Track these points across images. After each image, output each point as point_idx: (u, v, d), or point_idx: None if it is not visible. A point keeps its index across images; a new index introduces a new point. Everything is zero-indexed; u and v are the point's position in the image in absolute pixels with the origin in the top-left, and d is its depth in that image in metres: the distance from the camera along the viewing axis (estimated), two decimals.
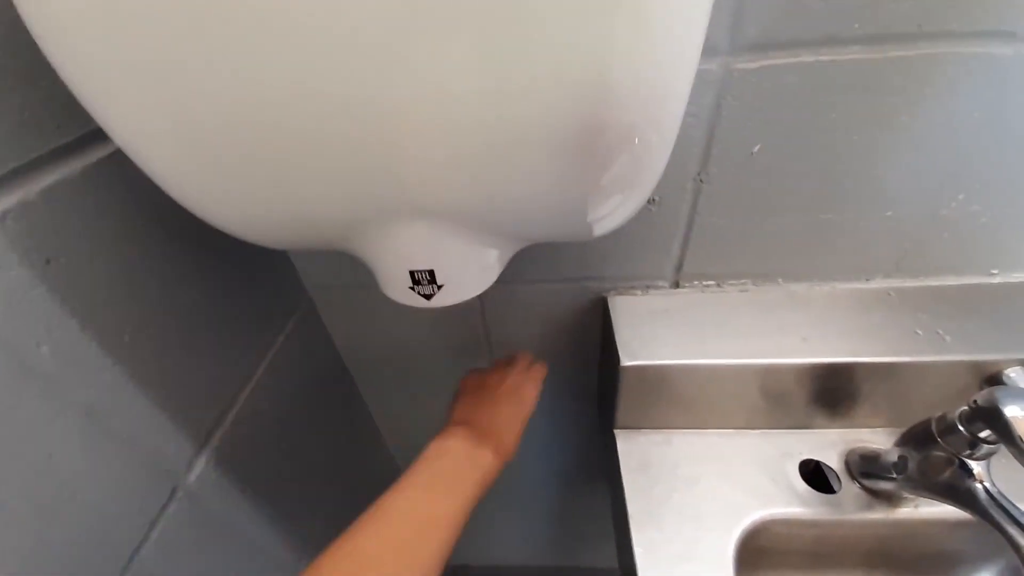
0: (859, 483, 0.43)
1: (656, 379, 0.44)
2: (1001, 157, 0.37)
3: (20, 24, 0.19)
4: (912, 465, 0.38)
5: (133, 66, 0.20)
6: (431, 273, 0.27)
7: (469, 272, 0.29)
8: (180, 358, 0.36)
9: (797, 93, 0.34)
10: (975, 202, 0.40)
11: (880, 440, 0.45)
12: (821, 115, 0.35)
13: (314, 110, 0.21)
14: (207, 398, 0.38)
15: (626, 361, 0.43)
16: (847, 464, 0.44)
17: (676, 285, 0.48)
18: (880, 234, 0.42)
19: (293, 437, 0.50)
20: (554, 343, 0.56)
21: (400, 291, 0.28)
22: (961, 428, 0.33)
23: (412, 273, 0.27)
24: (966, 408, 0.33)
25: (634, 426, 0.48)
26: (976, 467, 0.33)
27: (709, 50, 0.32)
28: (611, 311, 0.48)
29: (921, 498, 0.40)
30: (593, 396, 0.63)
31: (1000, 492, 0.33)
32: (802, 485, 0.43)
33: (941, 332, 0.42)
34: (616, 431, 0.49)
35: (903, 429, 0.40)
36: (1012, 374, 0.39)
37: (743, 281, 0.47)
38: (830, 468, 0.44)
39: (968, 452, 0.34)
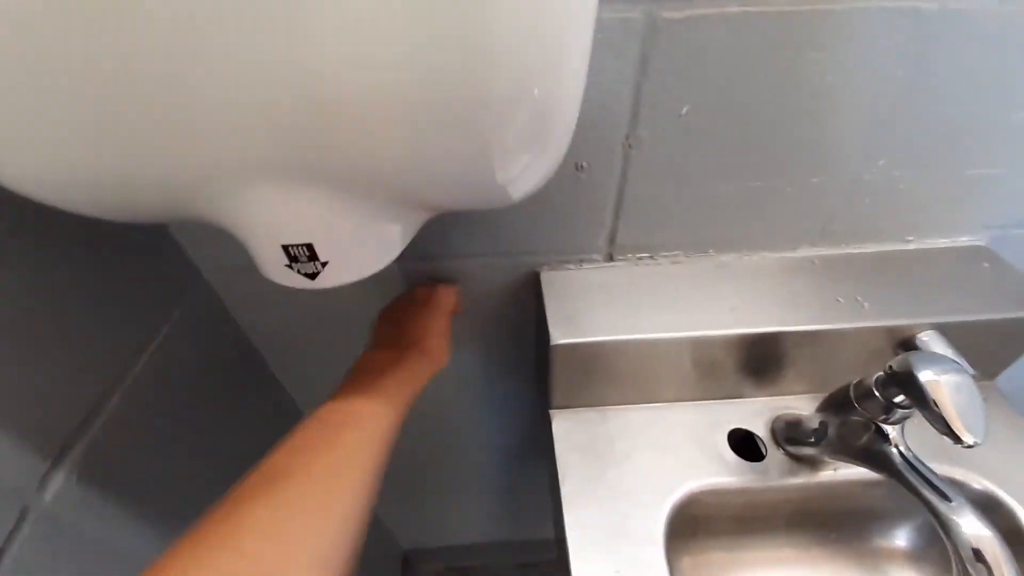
0: (783, 449, 0.43)
1: (589, 357, 0.42)
2: (922, 120, 0.37)
3: None
4: (832, 431, 0.38)
5: None
6: (309, 247, 0.23)
7: (361, 246, 0.25)
8: (10, 361, 0.29)
9: (724, 49, 0.32)
10: (896, 167, 0.40)
11: (804, 406, 0.46)
12: (749, 75, 0.33)
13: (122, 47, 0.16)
14: (61, 406, 0.32)
15: (557, 339, 0.41)
16: (773, 431, 0.44)
17: (610, 258, 0.46)
18: (806, 201, 0.41)
19: (192, 435, 0.44)
20: (489, 321, 0.53)
21: (276, 270, 0.24)
22: (877, 393, 0.34)
23: (286, 248, 0.23)
24: (882, 374, 0.34)
25: (569, 405, 0.47)
26: (891, 431, 0.34)
27: None
28: (543, 287, 0.45)
29: (841, 461, 0.41)
30: (532, 373, 0.61)
31: (914, 455, 0.33)
32: (731, 455, 0.43)
33: (860, 299, 0.42)
34: (551, 411, 0.47)
35: (825, 394, 0.41)
36: (924, 338, 0.40)
37: (676, 252, 0.46)
38: (758, 436, 0.45)
39: (884, 417, 0.34)
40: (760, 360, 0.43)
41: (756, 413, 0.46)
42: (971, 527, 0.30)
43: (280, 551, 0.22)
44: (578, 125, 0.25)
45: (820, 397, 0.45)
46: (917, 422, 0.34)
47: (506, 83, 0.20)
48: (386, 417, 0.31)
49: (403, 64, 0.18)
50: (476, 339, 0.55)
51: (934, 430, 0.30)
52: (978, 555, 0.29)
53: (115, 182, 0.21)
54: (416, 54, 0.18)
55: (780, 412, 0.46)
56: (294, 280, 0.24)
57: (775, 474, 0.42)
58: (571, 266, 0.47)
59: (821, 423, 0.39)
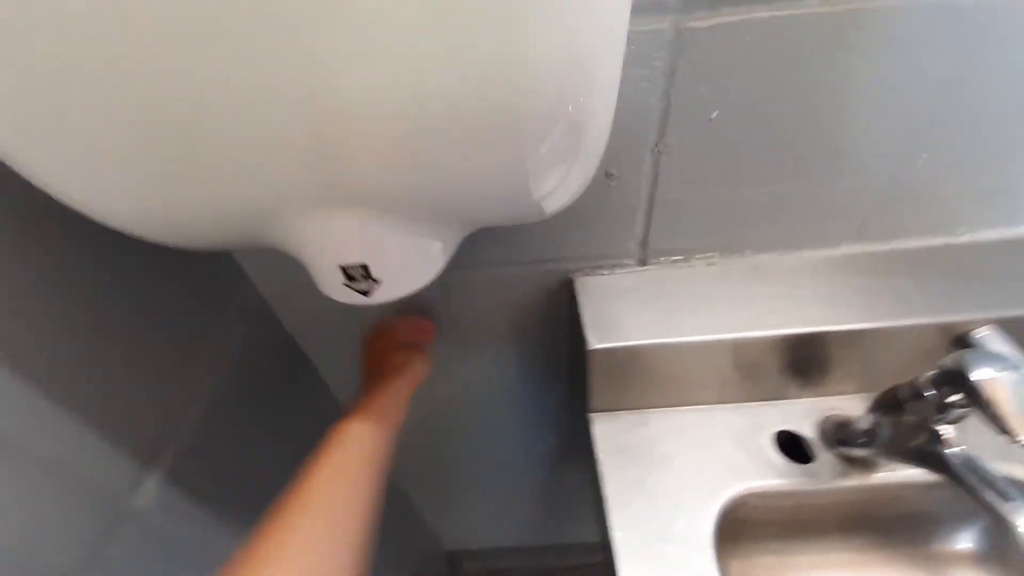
0: (834, 451, 0.42)
1: (626, 360, 0.43)
2: (964, 114, 0.36)
3: None
4: (884, 432, 0.37)
5: None
6: (365, 268, 0.25)
7: (409, 263, 0.27)
8: (109, 374, 0.33)
9: (754, 53, 0.32)
10: (939, 164, 0.39)
11: (853, 407, 0.44)
12: (780, 77, 0.33)
13: (197, 92, 0.18)
14: (149, 413, 0.36)
15: (594, 344, 0.41)
16: (822, 433, 0.44)
17: (643, 262, 0.47)
18: (845, 200, 0.41)
19: (258, 439, 0.48)
20: (524, 327, 0.55)
21: (335, 288, 0.26)
22: (929, 393, 0.33)
23: (344, 269, 0.25)
24: (933, 373, 0.33)
25: (608, 408, 0.47)
26: (946, 431, 0.33)
27: (658, 7, 0.30)
28: (577, 293, 0.46)
29: (895, 463, 0.40)
30: (567, 378, 0.62)
31: (972, 455, 0.32)
32: (778, 456, 0.43)
33: (910, 294, 0.41)
34: (590, 415, 0.48)
35: (875, 394, 0.40)
36: (982, 335, 0.39)
37: (710, 254, 0.46)
38: (806, 438, 0.44)
39: (938, 417, 0.33)
40: (804, 361, 0.43)
41: (802, 414, 0.45)
42: None
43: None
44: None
45: (869, 397, 0.44)
46: (975, 419, 0.33)
47: (542, 104, 0.21)
48: (377, 445, 0.37)
49: (443, 89, 0.19)
50: (512, 346, 0.57)
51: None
52: None
53: (182, 215, 0.23)
54: (455, 79, 0.19)
55: (828, 413, 0.45)
56: (351, 297, 0.26)
57: (826, 476, 0.41)
58: (604, 271, 0.47)
59: (873, 424, 0.38)
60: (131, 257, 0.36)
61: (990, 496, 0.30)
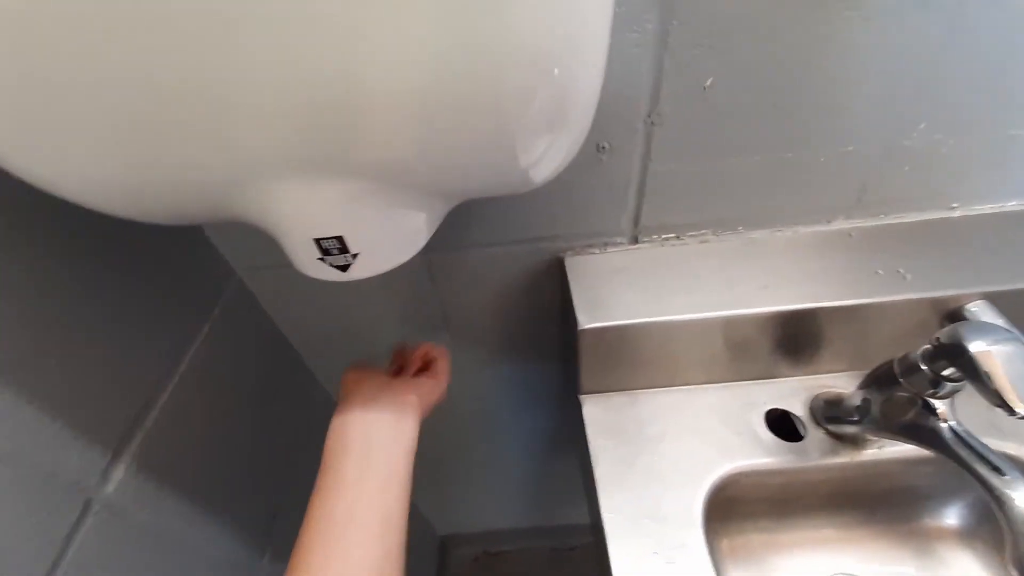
0: (824, 428, 0.42)
1: (617, 340, 0.42)
2: (964, 79, 0.35)
3: None
4: (875, 407, 0.37)
5: None
6: (340, 240, 0.23)
7: (389, 236, 0.25)
8: (71, 359, 0.31)
9: (749, 14, 0.31)
10: (937, 130, 0.38)
11: (843, 384, 0.44)
12: (776, 40, 0.32)
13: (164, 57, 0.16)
14: (117, 401, 0.34)
15: (584, 324, 0.40)
16: (811, 410, 0.43)
17: (635, 240, 0.46)
18: (841, 171, 0.40)
19: (235, 427, 0.46)
20: (514, 308, 0.53)
21: (309, 263, 0.25)
22: (923, 367, 0.32)
23: (318, 242, 0.23)
24: (928, 346, 0.32)
25: (598, 389, 0.47)
26: (940, 406, 0.33)
27: None
28: (568, 272, 0.45)
29: (885, 439, 0.39)
30: (559, 359, 0.61)
31: (965, 430, 0.32)
32: (768, 435, 0.42)
33: (902, 271, 0.40)
34: (581, 396, 0.47)
35: (866, 371, 0.40)
36: (973, 308, 0.38)
37: (703, 232, 0.45)
38: (795, 416, 0.43)
39: (931, 391, 0.33)
40: (796, 338, 0.42)
41: (792, 393, 0.45)
42: None
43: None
44: (599, 105, 0.25)
45: (859, 374, 0.44)
46: (963, 396, 0.33)
47: (524, 66, 0.20)
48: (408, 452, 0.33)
49: (422, 52, 0.18)
50: (502, 327, 0.56)
51: (982, 403, 0.29)
52: None
53: (150, 184, 0.22)
54: (434, 40, 0.18)
55: (818, 391, 0.44)
56: (326, 273, 0.25)
57: (816, 454, 0.41)
58: (595, 250, 0.46)
59: (864, 400, 0.37)
60: (100, 240, 0.34)
61: (983, 470, 0.30)
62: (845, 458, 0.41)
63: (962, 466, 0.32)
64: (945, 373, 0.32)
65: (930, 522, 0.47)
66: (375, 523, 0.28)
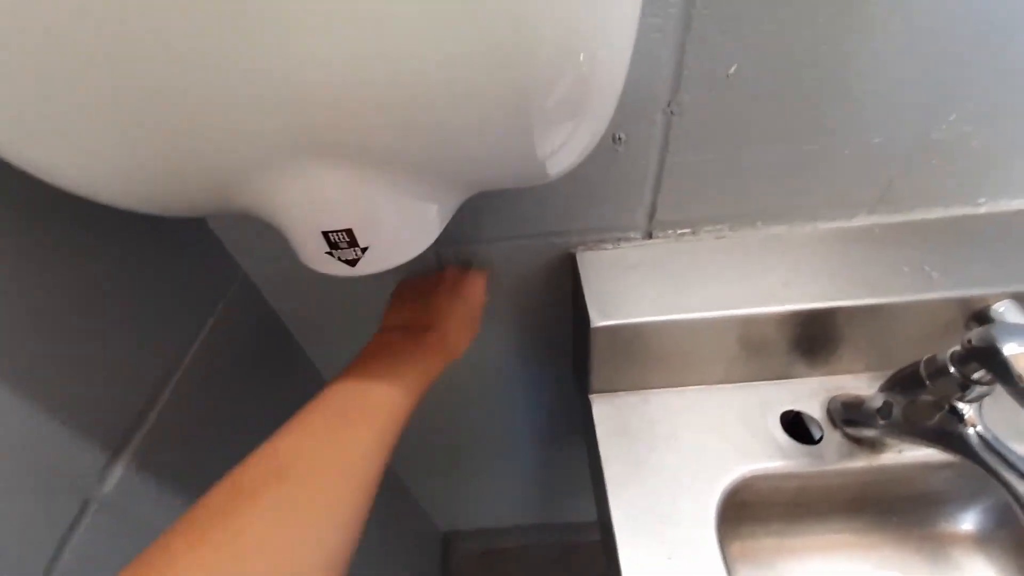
0: (842, 431, 0.41)
1: (630, 338, 0.41)
2: (996, 68, 0.33)
3: None
4: (897, 410, 0.36)
5: None
6: (349, 233, 0.22)
7: (400, 229, 0.24)
8: (71, 357, 0.30)
9: None
10: (968, 122, 0.36)
11: (861, 386, 0.43)
12: (801, 26, 0.30)
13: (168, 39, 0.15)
14: (118, 399, 0.33)
15: (596, 322, 0.39)
16: (829, 412, 0.42)
17: (649, 235, 0.44)
18: (866, 164, 0.38)
19: (238, 425, 0.45)
20: (524, 304, 0.52)
21: (316, 258, 0.23)
22: (952, 370, 0.31)
23: (326, 235, 0.22)
24: (958, 348, 0.31)
25: (609, 389, 0.46)
26: (967, 410, 0.31)
27: None
28: (580, 268, 0.44)
29: (906, 443, 0.38)
30: (569, 356, 0.60)
31: (994, 436, 0.31)
32: (784, 437, 0.41)
33: (927, 268, 0.39)
34: (591, 395, 0.46)
35: (885, 373, 0.38)
36: (1000, 308, 0.37)
37: (720, 226, 0.43)
38: (812, 418, 0.42)
39: (959, 395, 0.31)
40: (814, 338, 0.41)
41: (809, 394, 0.44)
42: None
43: (280, 563, 0.20)
44: None
45: (878, 375, 0.43)
46: (991, 399, 0.31)
47: (548, 51, 0.18)
48: (400, 409, 0.29)
49: (439, 36, 0.17)
50: (511, 322, 0.55)
51: (1007, 406, 0.28)
52: None
53: (154, 173, 0.20)
54: (452, 24, 0.16)
55: (835, 392, 0.43)
56: (335, 268, 0.24)
57: (833, 457, 0.40)
58: (608, 245, 0.45)
59: (885, 403, 0.36)
60: (101, 234, 0.33)
61: (1012, 477, 0.29)
62: (863, 462, 0.40)
63: (989, 472, 0.31)
64: (975, 376, 0.30)
65: (946, 527, 0.46)
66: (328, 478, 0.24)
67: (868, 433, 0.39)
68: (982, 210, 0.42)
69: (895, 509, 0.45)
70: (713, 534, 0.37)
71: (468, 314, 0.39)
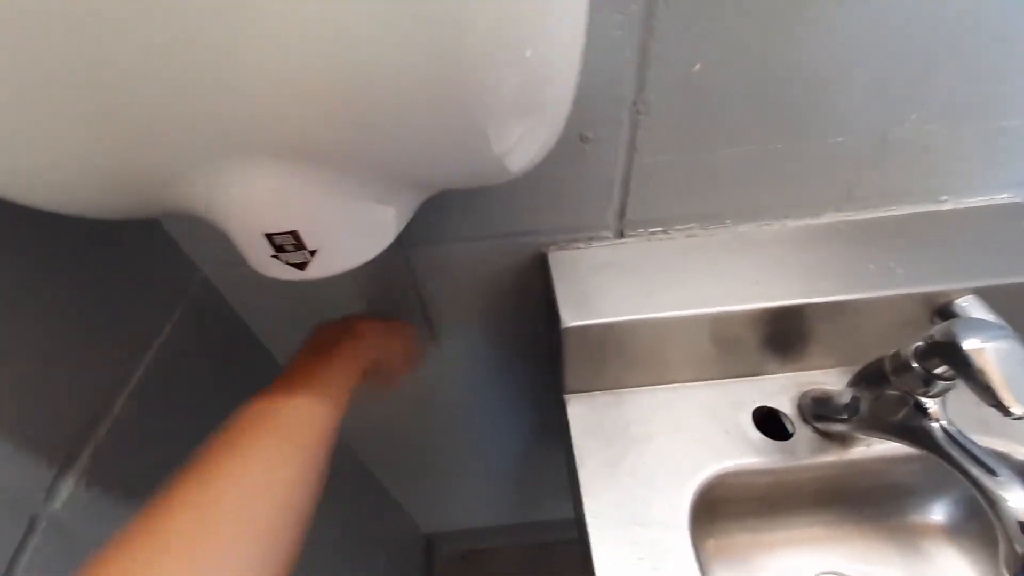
0: (812, 426, 0.41)
1: (602, 338, 0.40)
2: (957, 67, 0.34)
3: None
4: (865, 406, 0.36)
5: None
6: (295, 235, 0.21)
7: (351, 231, 0.23)
8: (14, 368, 0.29)
9: None
10: (930, 121, 0.37)
11: (832, 381, 0.43)
12: (767, 23, 0.30)
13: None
14: (66, 412, 0.31)
15: (568, 322, 0.39)
16: (800, 408, 0.42)
17: (620, 235, 0.44)
18: (831, 163, 0.39)
19: (198, 435, 0.43)
20: (498, 305, 0.52)
21: (262, 261, 0.22)
22: (915, 365, 0.31)
23: (270, 237, 0.21)
24: (921, 344, 0.31)
25: (584, 389, 0.45)
26: (931, 405, 0.32)
27: None
28: (551, 268, 0.43)
29: (874, 437, 0.39)
30: (545, 356, 0.60)
31: (957, 430, 0.31)
32: (756, 434, 0.41)
33: (892, 264, 0.39)
34: (565, 395, 0.46)
35: (854, 368, 0.39)
36: (963, 304, 0.37)
37: (691, 225, 0.43)
38: (784, 414, 0.42)
39: (923, 390, 0.32)
40: (785, 335, 0.41)
41: (780, 390, 0.44)
42: (1019, 501, 0.28)
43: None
44: (581, 93, 0.23)
45: (848, 371, 0.43)
46: (952, 391, 0.32)
47: (492, 46, 0.18)
48: (323, 419, 0.29)
49: (379, 22, 0.16)
50: (485, 324, 0.54)
51: (971, 399, 0.28)
52: None
53: (90, 172, 0.19)
54: (386, 12, 0.16)
55: (806, 388, 0.43)
56: (282, 272, 0.23)
57: (804, 452, 0.40)
58: (580, 245, 0.45)
59: (853, 398, 0.36)
60: (46, 236, 0.31)
61: (976, 471, 0.29)
62: (833, 456, 0.40)
63: (953, 466, 0.31)
64: (937, 371, 0.31)
65: (917, 519, 0.47)
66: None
67: (837, 428, 0.40)
68: (945, 207, 0.43)
69: (866, 501, 0.45)
70: (686, 534, 0.37)
71: (389, 325, 0.40)
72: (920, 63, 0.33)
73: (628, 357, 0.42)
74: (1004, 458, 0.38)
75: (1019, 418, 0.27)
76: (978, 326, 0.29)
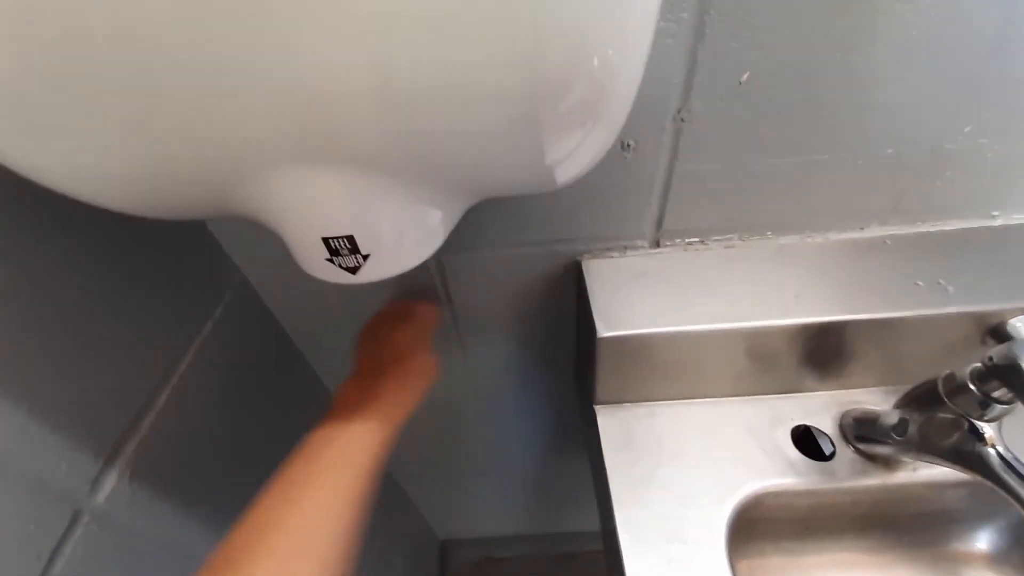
0: (854, 447, 0.40)
1: (636, 349, 0.40)
2: (1013, 80, 0.33)
3: None
4: (913, 428, 0.35)
5: None
6: (350, 240, 0.21)
7: (403, 237, 0.23)
8: (63, 364, 0.29)
9: (791, 5, 0.29)
10: (983, 134, 0.35)
11: (874, 400, 0.42)
12: (817, 33, 0.30)
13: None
14: (111, 406, 0.32)
15: (603, 332, 0.38)
16: (841, 428, 0.41)
17: (656, 244, 0.43)
18: (879, 175, 0.38)
19: (235, 431, 0.44)
20: (527, 313, 0.51)
21: (317, 265, 0.23)
22: (973, 388, 0.30)
23: (327, 241, 0.21)
24: (979, 366, 0.30)
25: (615, 400, 0.45)
26: (988, 430, 0.30)
27: None
28: (586, 277, 0.43)
29: (921, 461, 0.37)
30: (572, 365, 0.59)
31: (1014, 456, 0.30)
32: (795, 453, 0.40)
33: (943, 282, 0.38)
34: (596, 407, 0.45)
35: (898, 387, 0.38)
36: (1018, 324, 0.36)
37: (729, 236, 0.42)
38: (823, 433, 0.41)
39: (979, 413, 0.30)
40: (825, 352, 0.40)
41: (820, 408, 0.42)
42: None
43: None
44: None
45: (891, 391, 0.42)
46: (1009, 418, 0.30)
47: (563, 54, 0.18)
48: (372, 448, 0.31)
49: (452, 34, 0.16)
50: (514, 331, 0.54)
51: None
52: None
53: (153, 177, 0.20)
54: (466, 22, 0.16)
55: (847, 407, 0.42)
56: (335, 275, 0.23)
57: (845, 474, 0.39)
58: (614, 254, 0.44)
59: (901, 420, 0.35)
60: (97, 239, 0.32)
61: None
62: (876, 480, 0.39)
63: (1009, 494, 0.30)
64: (995, 394, 0.29)
65: (960, 546, 0.45)
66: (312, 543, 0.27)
67: (882, 450, 0.38)
68: (997, 223, 0.41)
69: (907, 527, 0.44)
70: (723, 553, 0.36)
71: (420, 338, 0.41)
72: (974, 75, 0.32)
73: (662, 369, 0.42)
74: None
75: None
76: None
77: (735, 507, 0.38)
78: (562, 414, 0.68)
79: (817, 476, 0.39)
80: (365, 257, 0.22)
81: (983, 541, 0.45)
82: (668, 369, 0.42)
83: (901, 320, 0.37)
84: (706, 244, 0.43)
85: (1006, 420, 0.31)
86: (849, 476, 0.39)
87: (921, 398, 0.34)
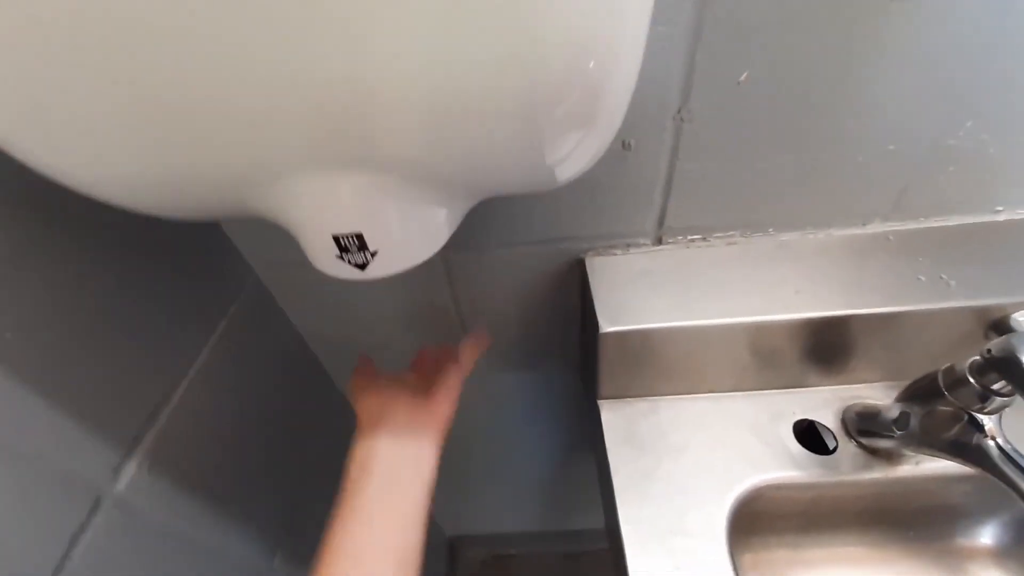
0: (856, 441, 0.40)
1: (639, 345, 0.40)
2: (1015, 75, 0.33)
3: None
4: (915, 421, 0.35)
5: None
6: (359, 237, 0.22)
7: (409, 234, 0.24)
8: (87, 356, 0.31)
9: (788, 5, 0.29)
10: (985, 129, 0.36)
11: (876, 395, 0.42)
12: (815, 33, 0.30)
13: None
14: (132, 398, 0.34)
15: (605, 327, 0.39)
16: (843, 422, 0.41)
17: (659, 241, 0.44)
18: (880, 171, 0.38)
19: (249, 426, 0.46)
20: (532, 311, 0.52)
21: (327, 261, 0.24)
22: (972, 380, 0.30)
23: (337, 239, 0.22)
24: (978, 358, 0.30)
25: (618, 395, 0.45)
26: (987, 422, 0.31)
27: None
28: (589, 274, 0.43)
29: (923, 455, 0.37)
30: (577, 362, 0.60)
31: (1013, 448, 0.30)
32: (797, 447, 0.41)
33: (944, 277, 0.38)
34: (600, 401, 0.46)
35: (900, 382, 0.38)
36: (1020, 317, 0.36)
37: (731, 233, 0.43)
38: (825, 427, 0.42)
39: (979, 406, 0.31)
40: (828, 347, 0.40)
41: (822, 403, 0.43)
42: None
43: None
44: None
45: (893, 385, 0.42)
46: (1009, 410, 0.31)
47: (557, 60, 0.18)
48: (430, 472, 0.33)
49: (446, 44, 0.17)
50: (519, 329, 0.55)
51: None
52: None
53: (170, 180, 0.21)
54: (460, 31, 0.17)
55: (849, 401, 0.42)
56: (345, 271, 0.24)
57: (847, 468, 0.39)
58: (618, 251, 0.45)
59: (902, 413, 0.35)
60: (118, 238, 0.34)
61: None
62: (879, 473, 0.39)
63: (1009, 486, 0.30)
64: (995, 387, 0.30)
65: (964, 541, 0.45)
66: (391, 563, 0.29)
67: (884, 444, 0.38)
68: (1000, 218, 0.41)
69: (911, 522, 0.44)
70: (724, 547, 0.36)
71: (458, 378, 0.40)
72: (975, 70, 0.32)
73: (665, 365, 0.42)
74: None
75: None
76: None
77: (736, 500, 0.38)
78: (568, 412, 0.69)
79: (819, 470, 0.39)
80: (373, 254, 0.23)
81: (987, 536, 0.45)
82: (671, 364, 0.42)
83: (903, 315, 0.37)
84: (708, 241, 0.43)
85: (1006, 413, 0.31)
86: (851, 470, 0.39)
87: (922, 392, 0.34)
